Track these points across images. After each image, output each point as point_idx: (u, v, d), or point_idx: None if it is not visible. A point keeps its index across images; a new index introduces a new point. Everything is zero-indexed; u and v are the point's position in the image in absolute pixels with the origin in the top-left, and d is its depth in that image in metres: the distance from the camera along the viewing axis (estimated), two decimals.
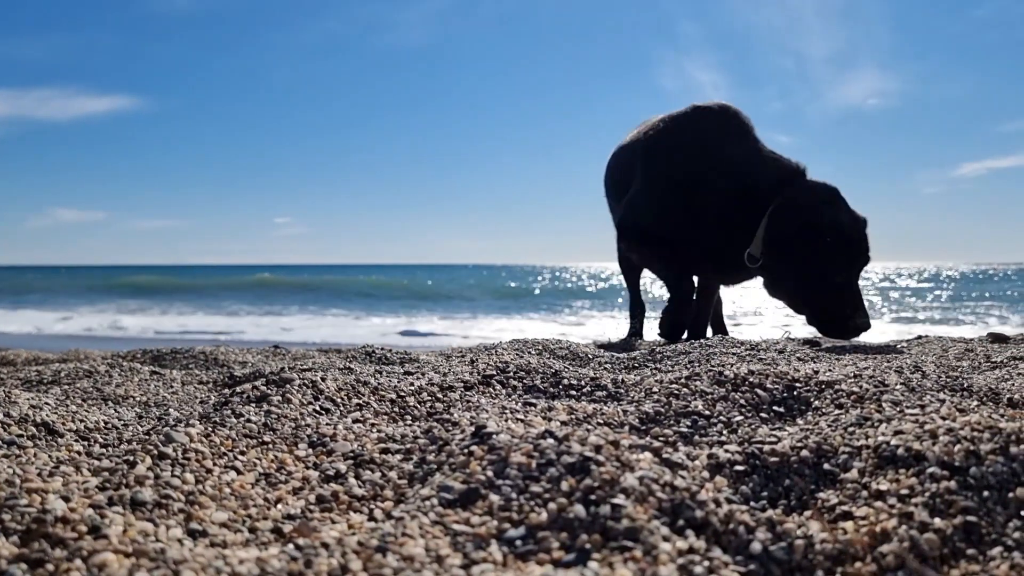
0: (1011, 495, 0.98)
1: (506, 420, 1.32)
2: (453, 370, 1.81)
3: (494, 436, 1.10)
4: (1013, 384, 1.74)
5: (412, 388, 1.61)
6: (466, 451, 1.09)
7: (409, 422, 1.44)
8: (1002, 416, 1.30)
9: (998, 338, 3.34)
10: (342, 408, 1.48)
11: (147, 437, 1.21)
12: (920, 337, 3.36)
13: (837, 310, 3.11)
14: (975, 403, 1.48)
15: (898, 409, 1.33)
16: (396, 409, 1.52)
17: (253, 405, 1.42)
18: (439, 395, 1.58)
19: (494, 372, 1.72)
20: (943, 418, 1.19)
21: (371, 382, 1.62)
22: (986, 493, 0.98)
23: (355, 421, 1.41)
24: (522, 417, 1.35)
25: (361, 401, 1.53)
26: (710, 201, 3.34)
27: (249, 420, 1.33)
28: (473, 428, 1.15)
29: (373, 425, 1.40)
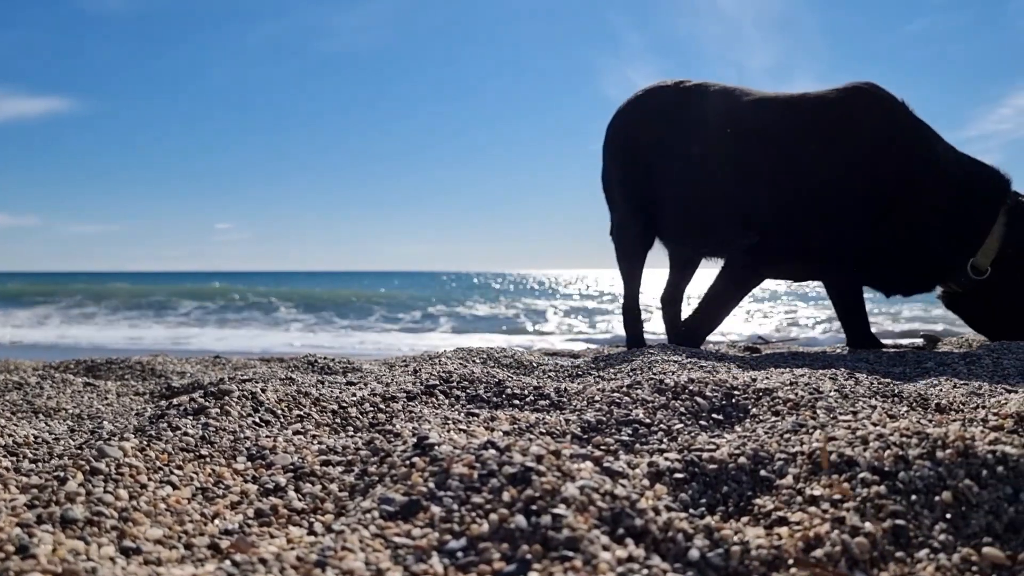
0: (937, 498, 1.01)
1: (448, 431, 1.32)
2: (396, 380, 1.80)
3: (436, 447, 1.10)
4: (940, 390, 1.80)
5: (354, 399, 1.59)
6: (408, 462, 1.09)
7: (351, 433, 1.43)
8: (930, 422, 1.34)
9: (931, 339, 3.46)
10: (283, 420, 1.47)
11: (79, 452, 1.17)
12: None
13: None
14: (905, 409, 1.53)
15: (832, 416, 1.36)
16: (338, 420, 1.50)
17: (191, 417, 1.39)
18: (381, 406, 1.57)
19: (437, 382, 1.72)
20: (874, 424, 1.22)
21: (313, 393, 1.61)
22: (914, 497, 1.02)
23: (296, 433, 1.39)
24: (465, 427, 1.35)
25: (302, 412, 1.51)
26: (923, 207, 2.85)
27: (186, 433, 1.30)
28: (415, 439, 1.15)
29: (314, 437, 1.38)
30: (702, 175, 3.18)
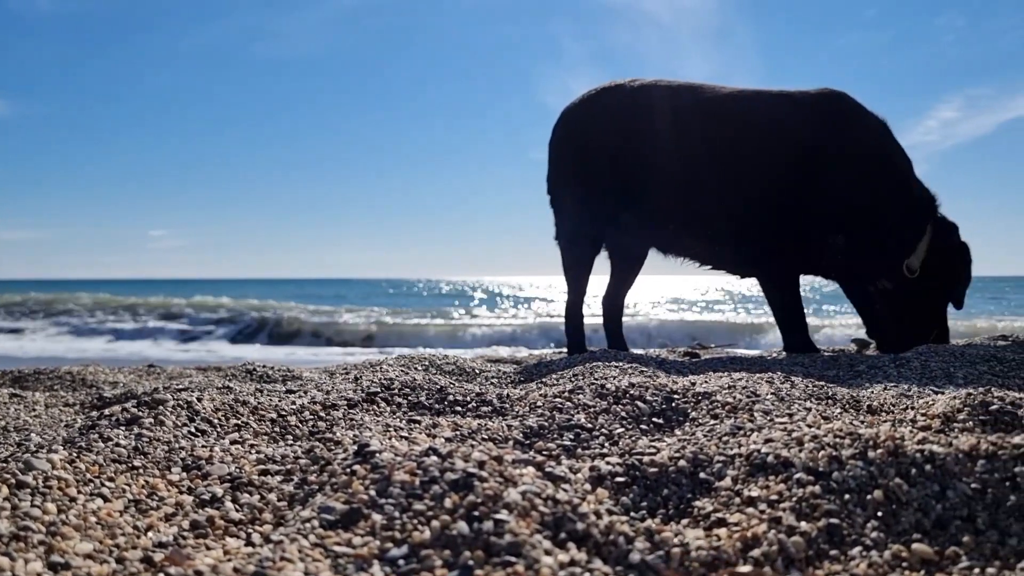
0: (869, 497, 1.04)
1: (390, 438, 1.31)
2: (337, 387, 1.78)
3: (377, 454, 1.09)
4: (872, 392, 1.85)
5: (294, 407, 1.57)
6: (348, 470, 1.07)
7: (290, 442, 1.41)
8: (862, 422, 1.38)
9: (862, 343, 3.55)
10: (219, 429, 1.43)
11: (4, 465, 1.13)
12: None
13: (928, 330, 3.25)
14: (838, 410, 1.57)
15: (768, 418, 1.39)
16: (277, 429, 1.48)
17: (123, 428, 1.35)
18: (322, 413, 1.55)
19: (379, 389, 1.70)
20: (809, 426, 1.25)
21: (251, 401, 1.58)
22: (847, 496, 1.04)
23: (233, 442, 1.36)
24: (406, 434, 1.34)
25: (240, 421, 1.48)
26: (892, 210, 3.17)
27: (118, 444, 1.27)
28: (356, 447, 1.14)
29: (252, 446, 1.36)
30: (699, 169, 3.23)
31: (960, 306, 3.36)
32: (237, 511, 1.09)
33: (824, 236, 3.15)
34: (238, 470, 1.20)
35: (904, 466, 1.09)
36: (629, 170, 3.26)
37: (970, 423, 1.41)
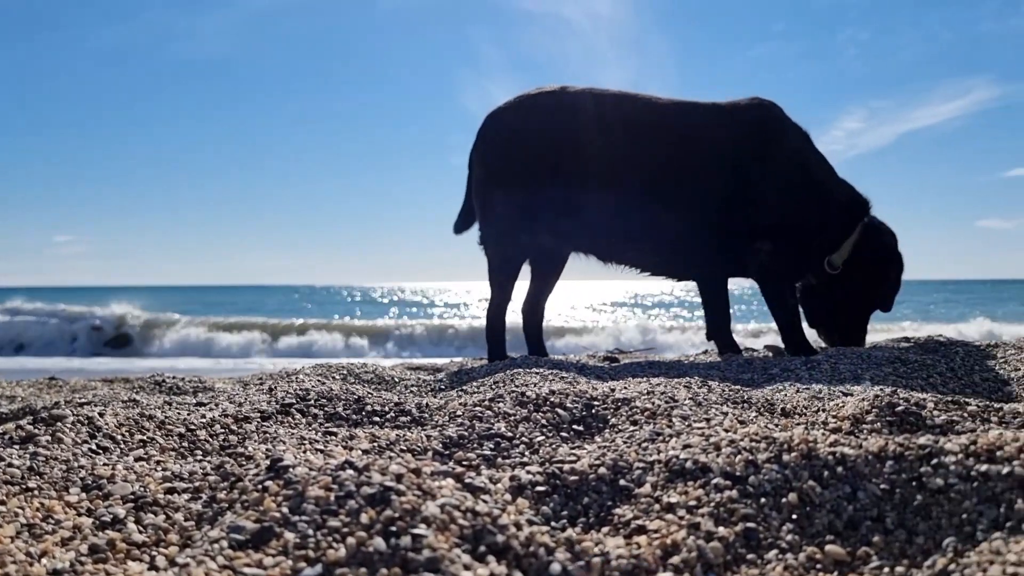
0: (784, 500, 1.06)
1: (305, 451, 1.27)
2: (250, 399, 1.72)
3: (291, 469, 1.05)
4: (785, 395, 1.89)
5: (204, 420, 1.51)
6: (260, 487, 1.03)
7: (200, 458, 1.35)
8: (776, 426, 1.40)
9: (775, 351, 3.64)
10: (123, 446, 1.37)
11: None
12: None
13: (862, 330, 3.47)
14: (754, 414, 1.60)
15: (687, 424, 1.40)
16: (185, 444, 1.42)
17: (16, 447, 1.27)
18: (233, 427, 1.49)
19: (294, 400, 1.65)
20: (726, 431, 1.27)
21: (157, 415, 1.51)
22: (763, 500, 1.06)
23: (137, 460, 1.30)
24: (322, 447, 1.30)
25: (145, 437, 1.42)
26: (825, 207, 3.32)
27: (11, 464, 1.19)
28: (269, 462, 1.10)
29: (158, 463, 1.30)
30: (636, 178, 3.27)
31: (887, 309, 3.53)
32: (140, 533, 1.04)
33: (752, 240, 3.27)
34: (142, 489, 1.15)
35: (817, 468, 1.11)
36: (566, 177, 3.26)
37: (878, 424, 1.45)
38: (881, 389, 1.74)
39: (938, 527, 1.01)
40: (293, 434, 1.43)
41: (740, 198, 3.24)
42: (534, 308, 3.59)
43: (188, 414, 1.56)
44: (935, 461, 1.09)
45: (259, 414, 1.58)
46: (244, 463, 1.23)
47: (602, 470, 1.17)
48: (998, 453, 1.08)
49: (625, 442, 1.32)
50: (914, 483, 1.07)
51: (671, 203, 3.27)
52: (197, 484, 1.16)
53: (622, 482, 1.15)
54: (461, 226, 3.63)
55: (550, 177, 3.26)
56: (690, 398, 1.61)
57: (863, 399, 1.55)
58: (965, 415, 1.52)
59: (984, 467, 1.06)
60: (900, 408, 1.49)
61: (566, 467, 1.18)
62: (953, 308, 27.09)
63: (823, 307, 3.50)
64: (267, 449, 1.28)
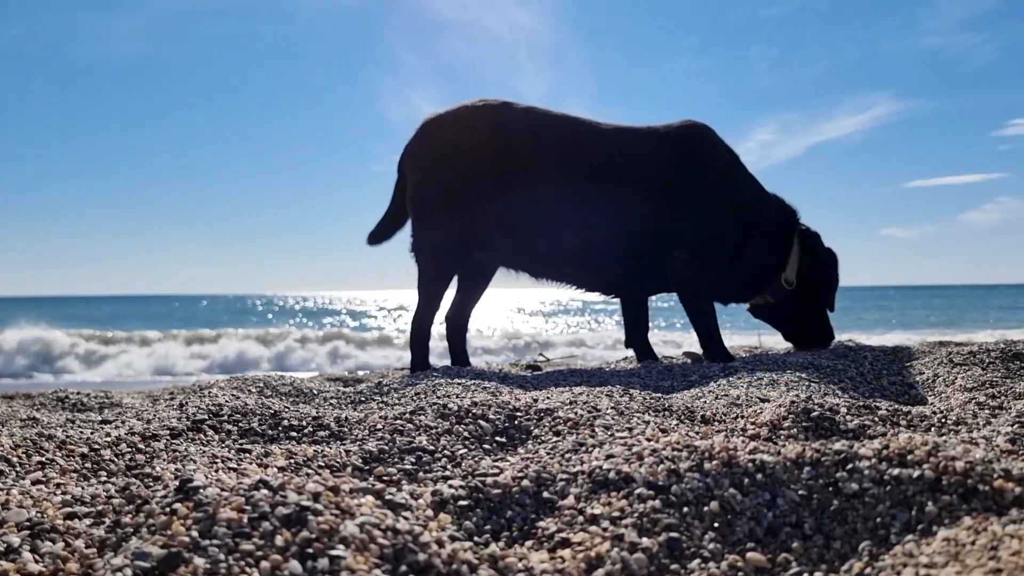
0: (706, 509, 1.06)
1: (217, 471, 1.21)
2: (159, 415, 1.64)
3: (201, 490, 1.00)
4: (705, 401, 1.92)
5: (109, 439, 1.43)
6: (168, 509, 0.98)
7: (104, 479, 1.28)
8: (697, 434, 1.41)
9: (694, 357, 3.70)
10: (19, 468, 1.29)
11: None
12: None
13: (830, 328, 3.64)
14: (675, 422, 1.61)
15: (609, 433, 1.40)
16: (88, 465, 1.34)
17: None
18: (141, 446, 1.42)
19: (206, 416, 1.59)
20: (648, 440, 1.27)
21: (58, 435, 1.43)
22: (686, 509, 1.06)
23: (35, 483, 1.22)
24: (235, 466, 1.25)
25: (44, 458, 1.34)
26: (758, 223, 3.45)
27: None
28: (177, 482, 1.04)
29: (58, 486, 1.22)
30: (576, 197, 3.31)
31: (832, 308, 3.69)
32: (37, 562, 0.97)
33: (687, 258, 3.37)
34: (40, 515, 1.08)
35: (737, 476, 1.12)
36: (506, 192, 3.26)
37: (794, 430, 1.48)
38: (796, 395, 1.78)
39: (854, 531, 1.03)
40: (205, 452, 1.37)
41: (673, 214, 3.34)
42: (458, 318, 3.56)
43: (92, 433, 1.48)
44: (850, 466, 1.11)
45: (168, 431, 1.51)
46: (151, 484, 1.17)
47: (525, 482, 1.15)
48: (909, 457, 1.11)
49: (548, 453, 1.31)
50: (830, 488, 1.09)
51: (610, 222, 3.35)
52: (100, 508, 1.10)
53: (545, 494, 1.13)
54: (380, 236, 3.57)
55: (490, 191, 3.25)
56: (612, 407, 1.61)
57: (780, 405, 1.58)
58: (876, 419, 1.56)
59: (896, 471, 1.09)
60: (815, 413, 1.52)
61: (489, 480, 1.16)
62: (860, 314, 28.21)
63: (791, 321, 3.65)
64: (176, 469, 1.22)
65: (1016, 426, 1.49)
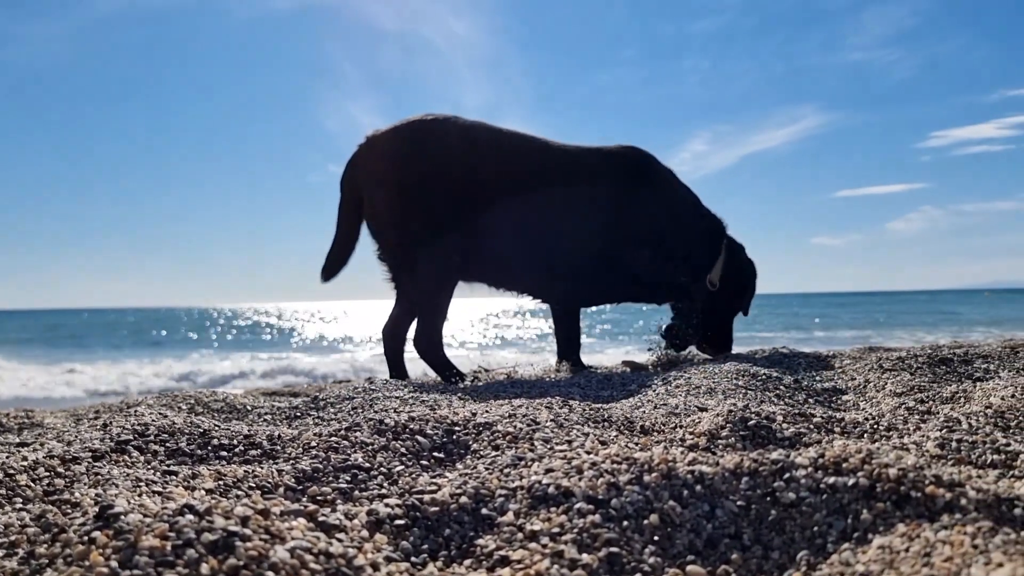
0: (646, 522, 1.05)
1: (140, 495, 1.16)
2: (81, 437, 1.57)
3: (122, 517, 0.95)
4: (644, 411, 1.92)
5: (25, 463, 1.36)
6: (86, 538, 0.93)
7: (19, 506, 1.21)
8: (636, 445, 1.41)
9: (634, 366, 3.73)
10: None
11: None
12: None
13: (731, 340, 3.98)
14: (615, 433, 1.61)
15: (549, 447, 1.39)
16: (3, 491, 1.27)
17: None
18: (60, 469, 1.35)
19: (131, 436, 1.52)
20: (588, 453, 1.26)
21: None
22: (626, 523, 1.05)
23: None
24: (160, 489, 1.19)
25: None
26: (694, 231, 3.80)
27: None
28: (97, 509, 0.99)
29: None
30: (532, 213, 3.44)
31: (747, 314, 4.08)
32: None
33: (633, 268, 3.66)
34: None
35: (677, 488, 1.12)
36: (467, 205, 3.29)
37: (732, 439, 1.48)
38: (734, 403, 1.79)
39: (792, 541, 1.03)
40: (128, 475, 1.31)
41: (622, 228, 3.59)
42: (396, 330, 3.52)
43: (7, 456, 1.40)
44: (787, 475, 1.12)
45: (90, 453, 1.44)
46: (70, 511, 1.11)
47: (463, 499, 1.13)
48: (844, 465, 1.12)
49: (487, 468, 1.29)
50: (768, 498, 1.09)
51: (563, 234, 3.52)
52: (14, 538, 1.04)
53: (484, 511, 1.11)
54: (335, 268, 3.52)
55: (452, 204, 3.28)
56: (552, 420, 1.59)
57: (717, 414, 1.59)
58: (811, 426, 1.58)
59: (832, 479, 1.09)
60: (752, 422, 1.54)
61: (426, 498, 1.13)
62: (793, 320, 28.89)
63: (704, 323, 3.90)
64: (97, 494, 1.16)
65: (944, 431, 1.52)
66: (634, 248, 3.63)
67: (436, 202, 3.27)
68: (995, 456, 1.37)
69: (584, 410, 1.75)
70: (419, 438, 1.46)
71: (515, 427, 1.52)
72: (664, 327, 3.90)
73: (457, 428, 1.52)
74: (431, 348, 3.29)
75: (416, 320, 3.36)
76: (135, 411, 1.80)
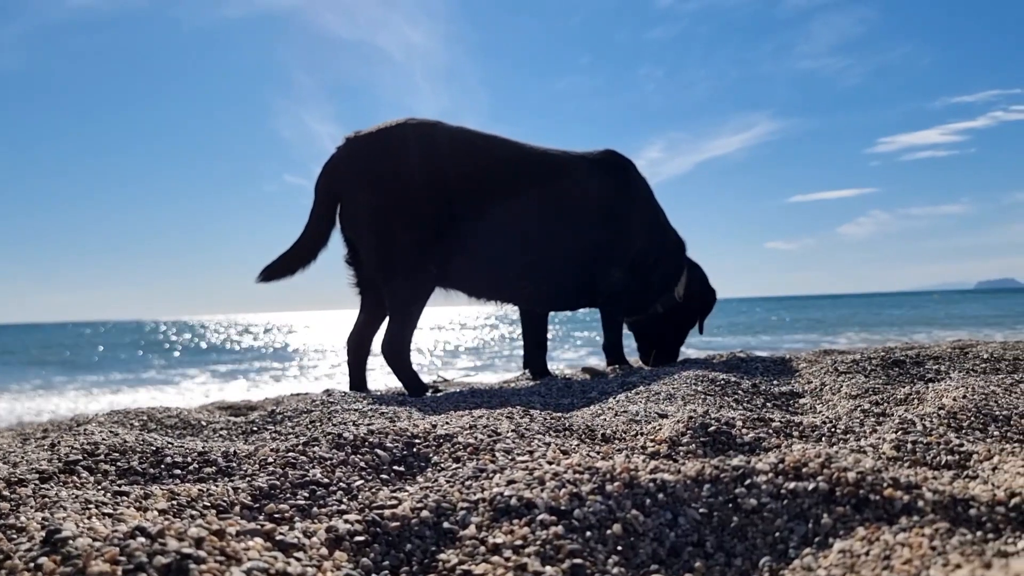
0: (609, 532, 1.04)
1: (90, 517, 1.12)
2: (27, 457, 1.52)
3: (70, 541, 0.92)
4: (604, 419, 1.92)
5: None
6: (33, 564, 0.90)
7: None
8: (598, 454, 1.40)
9: (594, 372, 3.74)
10: None
11: None
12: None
13: (677, 356, 4.15)
14: (576, 442, 1.60)
15: (510, 457, 1.38)
16: None
17: None
18: (5, 492, 1.30)
19: (80, 456, 1.47)
20: (549, 463, 1.25)
21: None
22: (589, 533, 1.04)
23: None
24: (111, 511, 1.16)
25: None
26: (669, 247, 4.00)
27: None
28: (44, 533, 0.96)
29: None
30: (517, 218, 3.45)
31: (702, 332, 4.27)
32: None
33: (609, 273, 3.75)
34: None
35: (639, 497, 1.11)
36: (446, 211, 3.24)
37: (693, 445, 1.49)
38: (694, 410, 1.80)
39: (754, 547, 1.03)
40: (77, 497, 1.26)
41: (607, 234, 3.69)
42: (361, 341, 3.44)
43: None
44: (748, 481, 1.12)
45: (37, 475, 1.39)
46: (15, 536, 1.07)
47: (425, 513, 1.11)
48: (803, 470, 1.13)
49: (448, 481, 1.28)
50: (730, 505, 1.09)
51: (546, 239, 3.56)
52: None
53: (446, 524, 1.10)
54: (282, 273, 3.37)
55: (433, 209, 3.23)
56: (512, 430, 1.58)
57: (678, 421, 1.59)
58: (770, 431, 1.59)
59: (792, 484, 1.10)
60: (712, 428, 1.54)
61: (387, 512, 1.11)
62: (749, 325, 29.28)
63: (660, 334, 4.07)
64: (44, 518, 1.12)
65: (899, 433, 1.54)
66: (614, 253, 3.72)
67: (417, 207, 3.20)
68: (949, 457, 1.39)
69: (545, 419, 1.75)
70: (379, 451, 1.44)
71: (476, 438, 1.50)
72: (604, 344, 3.91)
73: (417, 440, 1.50)
74: (398, 355, 3.20)
75: (387, 324, 3.25)
76: (85, 429, 1.75)
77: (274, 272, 3.32)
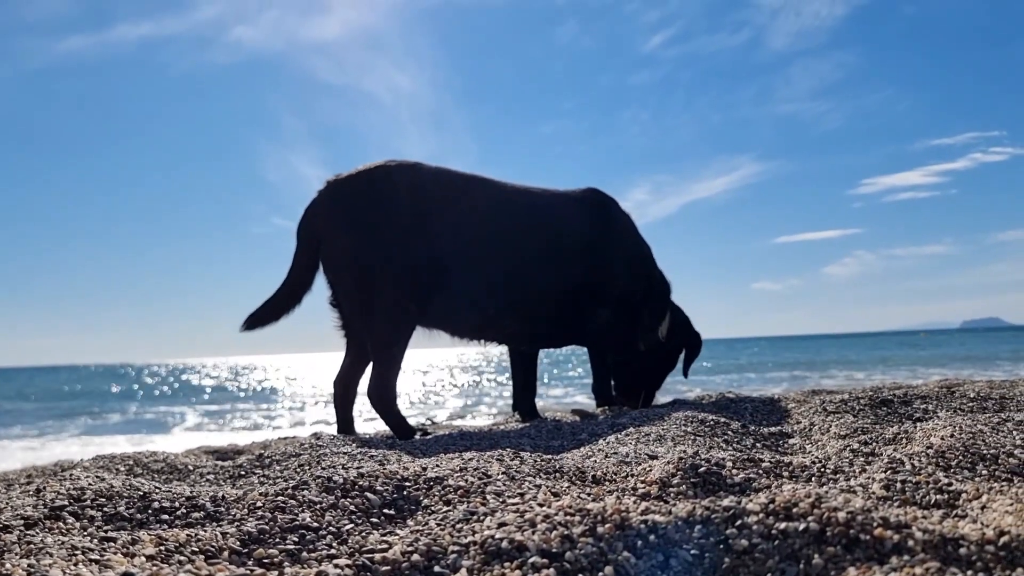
0: (601, 574, 1.04)
1: (76, 564, 1.11)
2: (12, 504, 1.50)
3: None
4: (595, 461, 1.91)
5: None
6: None
7: None
8: (589, 496, 1.40)
9: (583, 414, 3.73)
10: None
11: None
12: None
13: (652, 398, 4.13)
14: (566, 484, 1.60)
15: (501, 500, 1.37)
16: None
17: None
18: None
19: (66, 501, 1.46)
20: (540, 505, 1.25)
21: None
22: None
23: None
24: (98, 557, 1.14)
25: None
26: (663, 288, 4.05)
27: None
28: None
29: None
30: (502, 257, 3.47)
31: (687, 375, 4.27)
32: None
33: (596, 311, 3.76)
34: None
35: (631, 538, 1.11)
36: (426, 252, 3.24)
37: (683, 486, 1.49)
38: (684, 450, 1.80)
39: None
40: (64, 543, 1.25)
41: (593, 273, 3.73)
42: (348, 383, 3.42)
43: None
44: (739, 522, 1.12)
45: (23, 521, 1.37)
46: None
47: (415, 557, 1.10)
48: (794, 510, 1.13)
49: (439, 524, 1.27)
50: (721, 546, 1.09)
51: (530, 277, 3.57)
52: None
53: (437, 568, 1.09)
54: (268, 320, 3.35)
55: (418, 250, 3.22)
56: (503, 472, 1.58)
57: (668, 462, 1.59)
58: (760, 471, 1.59)
59: (783, 524, 1.10)
60: (702, 469, 1.54)
61: (377, 557, 1.11)
62: (738, 364, 29.31)
63: (637, 372, 4.02)
64: (29, 564, 1.10)
65: (889, 472, 1.55)
66: (597, 291, 3.74)
67: (397, 247, 3.18)
68: (938, 496, 1.39)
69: (535, 461, 1.74)
70: (369, 495, 1.43)
71: (466, 481, 1.50)
72: (594, 386, 3.98)
73: (407, 484, 1.50)
74: (384, 399, 3.17)
75: (371, 368, 3.23)
76: (70, 474, 1.73)
77: (258, 320, 3.30)
